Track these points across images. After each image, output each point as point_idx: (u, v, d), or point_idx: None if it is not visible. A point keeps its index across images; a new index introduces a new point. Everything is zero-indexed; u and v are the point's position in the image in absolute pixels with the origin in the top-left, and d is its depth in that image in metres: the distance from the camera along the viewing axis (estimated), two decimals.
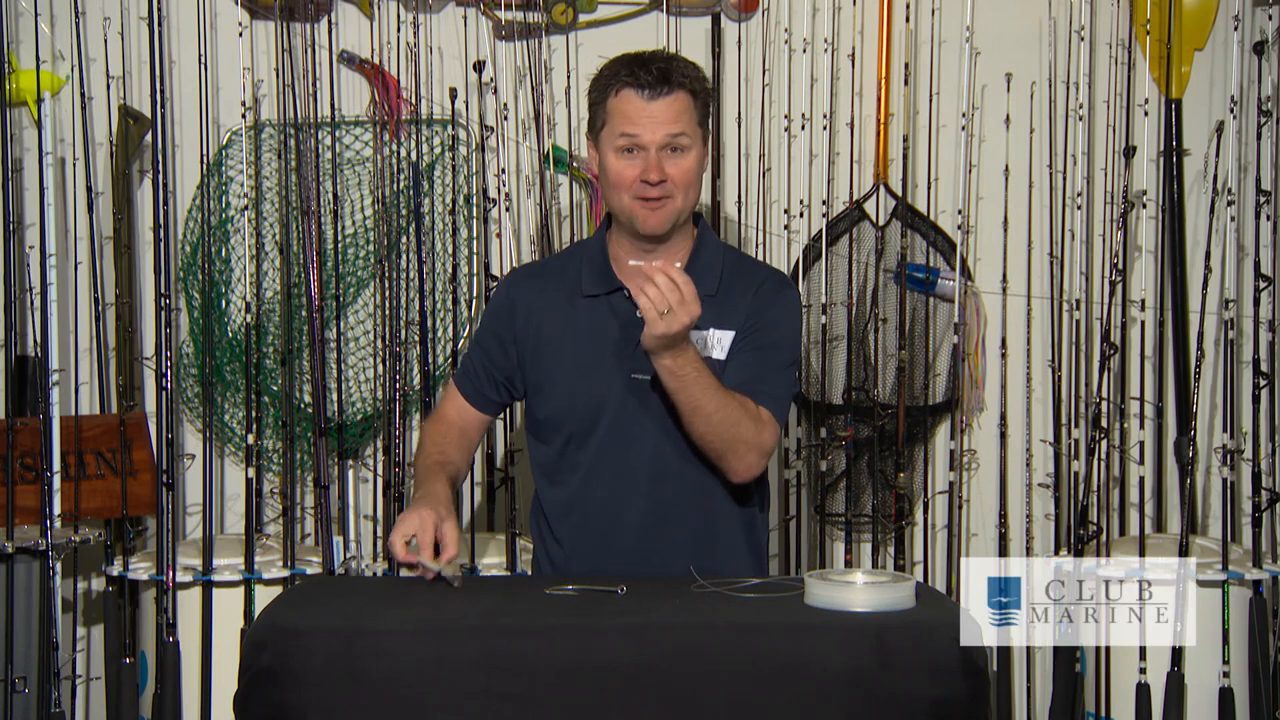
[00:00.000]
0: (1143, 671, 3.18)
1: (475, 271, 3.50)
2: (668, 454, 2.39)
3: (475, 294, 3.50)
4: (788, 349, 2.45)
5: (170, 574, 3.15)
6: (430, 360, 3.39)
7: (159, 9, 3.26)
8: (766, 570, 2.57)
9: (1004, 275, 3.64)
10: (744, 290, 2.43)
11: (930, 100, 3.57)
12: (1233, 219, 3.45)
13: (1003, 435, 3.63)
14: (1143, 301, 3.45)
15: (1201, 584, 3.19)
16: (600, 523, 2.41)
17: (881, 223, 3.58)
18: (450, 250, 3.43)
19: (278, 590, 3.14)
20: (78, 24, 3.34)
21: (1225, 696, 3.21)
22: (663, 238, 2.40)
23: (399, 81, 3.49)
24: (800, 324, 2.51)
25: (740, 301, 2.42)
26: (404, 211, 3.46)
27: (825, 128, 3.53)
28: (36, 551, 3.14)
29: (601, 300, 2.44)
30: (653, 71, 2.32)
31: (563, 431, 2.44)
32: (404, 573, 2.30)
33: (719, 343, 2.40)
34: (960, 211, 3.53)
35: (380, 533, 3.44)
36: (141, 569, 3.22)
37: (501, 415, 3.23)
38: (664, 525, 2.40)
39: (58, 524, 3.23)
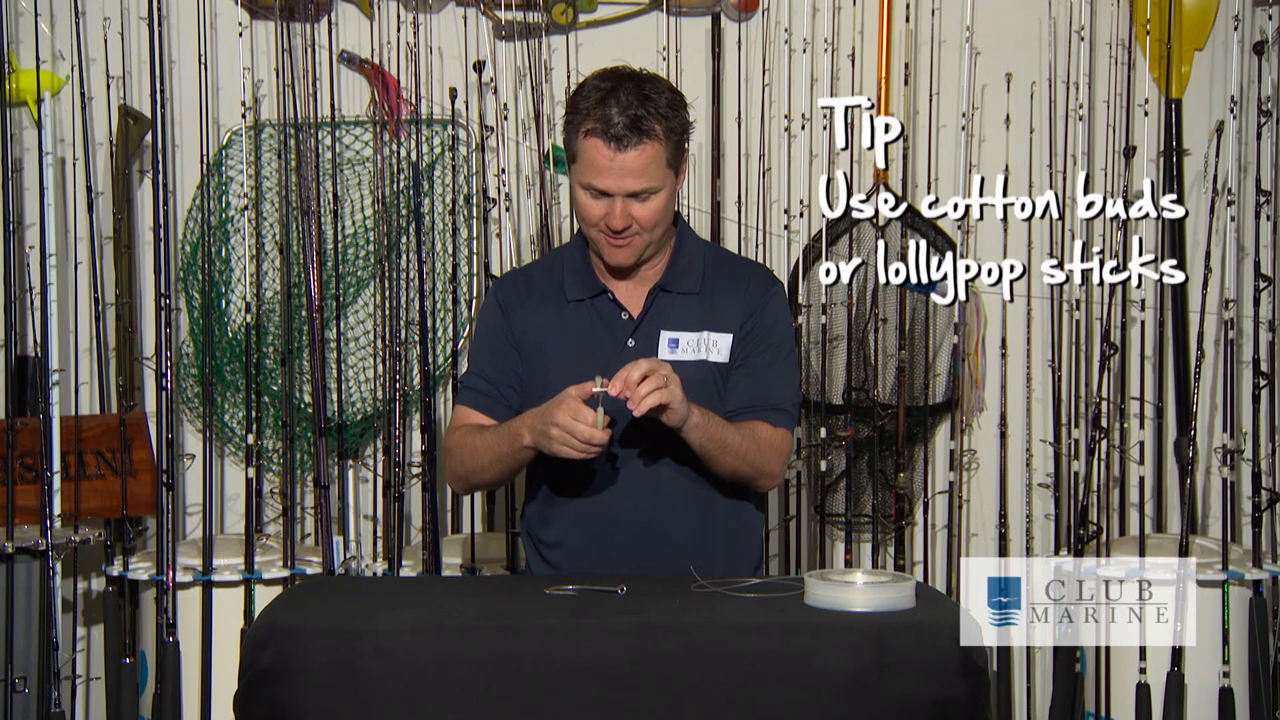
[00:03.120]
0: (1143, 671, 3.18)
1: (475, 271, 3.50)
2: (661, 454, 2.39)
3: (475, 294, 3.50)
4: (787, 349, 2.46)
5: (170, 574, 3.15)
6: (430, 360, 3.39)
7: (159, 9, 3.26)
8: (764, 569, 2.57)
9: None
10: (732, 289, 2.43)
11: (930, 100, 3.57)
12: (1233, 219, 3.45)
13: (1003, 435, 3.63)
14: (1143, 302, 3.45)
15: (1201, 584, 3.20)
16: (595, 524, 2.41)
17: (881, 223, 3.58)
18: (450, 250, 3.43)
19: (278, 590, 3.14)
20: (78, 24, 3.34)
21: (1225, 696, 3.21)
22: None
23: (399, 81, 3.49)
24: (790, 316, 2.52)
25: (730, 301, 2.42)
26: (404, 211, 3.46)
27: (825, 128, 3.53)
28: (36, 551, 3.14)
29: (586, 304, 2.44)
30: (623, 120, 2.25)
31: None
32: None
33: (715, 345, 2.40)
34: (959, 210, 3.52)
35: (380, 533, 3.44)
36: (141, 569, 3.22)
37: None
38: (659, 524, 2.40)
39: (58, 524, 3.23)
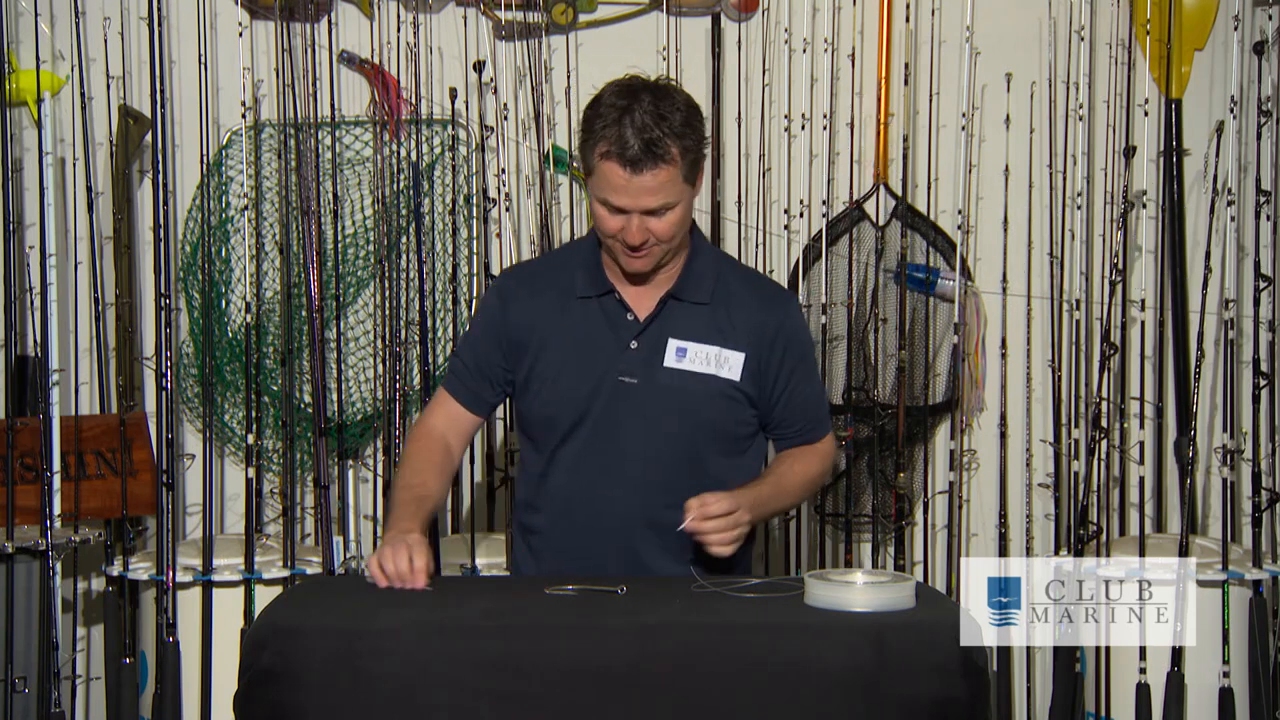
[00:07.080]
0: (1143, 671, 3.18)
1: (475, 271, 3.50)
2: (653, 454, 2.39)
3: (475, 294, 3.50)
4: (811, 359, 2.54)
5: (170, 574, 3.15)
6: (430, 360, 3.39)
7: (159, 9, 3.26)
8: (764, 570, 2.58)
9: (1004, 275, 3.64)
10: (744, 303, 2.44)
11: (930, 100, 3.57)
12: (1233, 219, 3.45)
13: (1003, 435, 3.63)
14: (1143, 301, 3.45)
15: (1201, 584, 3.19)
16: (582, 517, 2.42)
17: (881, 223, 3.58)
18: (450, 250, 3.43)
19: (278, 590, 3.14)
20: (78, 24, 3.34)
21: (1225, 696, 3.21)
22: None
23: (399, 81, 3.49)
24: (806, 322, 2.57)
25: (742, 315, 2.43)
26: (404, 211, 3.46)
27: (825, 128, 3.53)
28: (36, 551, 3.14)
29: (593, 302, 2.44)
30: (639, 144, 2.23)
31: (548, 428, 2.45)
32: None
33: (727, 362, 2.41)
34: (960, 211, 3.53)
35: (380, 533, 3.44)
36: (141, 569, 3.22)
37: (500, 414, 3.23)
38: (648, 522, 2.40)
39: (58, 524, 3.23)
